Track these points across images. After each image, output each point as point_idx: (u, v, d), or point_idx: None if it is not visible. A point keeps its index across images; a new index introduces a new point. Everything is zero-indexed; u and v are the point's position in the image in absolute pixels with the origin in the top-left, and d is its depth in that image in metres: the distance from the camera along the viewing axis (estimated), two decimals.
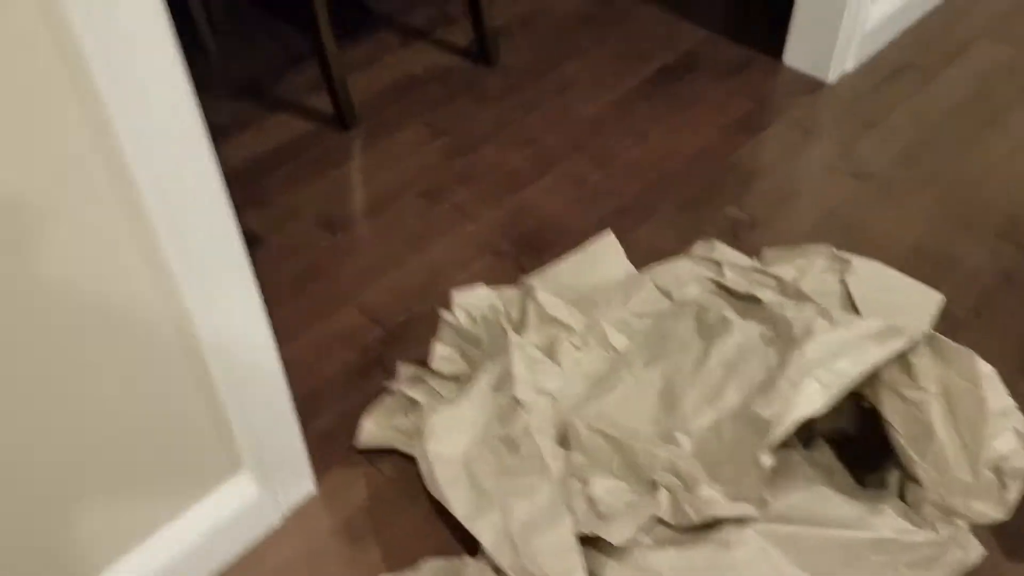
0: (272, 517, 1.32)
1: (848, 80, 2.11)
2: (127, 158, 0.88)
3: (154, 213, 0.93)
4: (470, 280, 1.64)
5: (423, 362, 1.48)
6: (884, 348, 1.03)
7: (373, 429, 1.39)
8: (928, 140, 1.94)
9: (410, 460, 1.39)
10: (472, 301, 1.40)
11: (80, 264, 0.91)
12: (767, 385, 1.08)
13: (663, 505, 1.08)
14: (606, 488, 1.13)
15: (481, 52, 2.16)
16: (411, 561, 1.27)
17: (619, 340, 1.33)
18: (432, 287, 1.67)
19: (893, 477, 1.20)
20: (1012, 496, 1.04)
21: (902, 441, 1.08)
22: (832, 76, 2.08)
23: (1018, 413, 1.05)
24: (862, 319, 1.12)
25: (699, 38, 2.26)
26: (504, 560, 1.10)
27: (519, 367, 1.24)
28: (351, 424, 1.42)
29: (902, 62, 2.15)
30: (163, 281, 0.98)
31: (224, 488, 1.25)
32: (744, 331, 1.19)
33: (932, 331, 1.09)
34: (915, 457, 1.08)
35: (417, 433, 1.29)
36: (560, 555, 1.06)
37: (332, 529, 1.33)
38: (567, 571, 1.05)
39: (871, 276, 1.35)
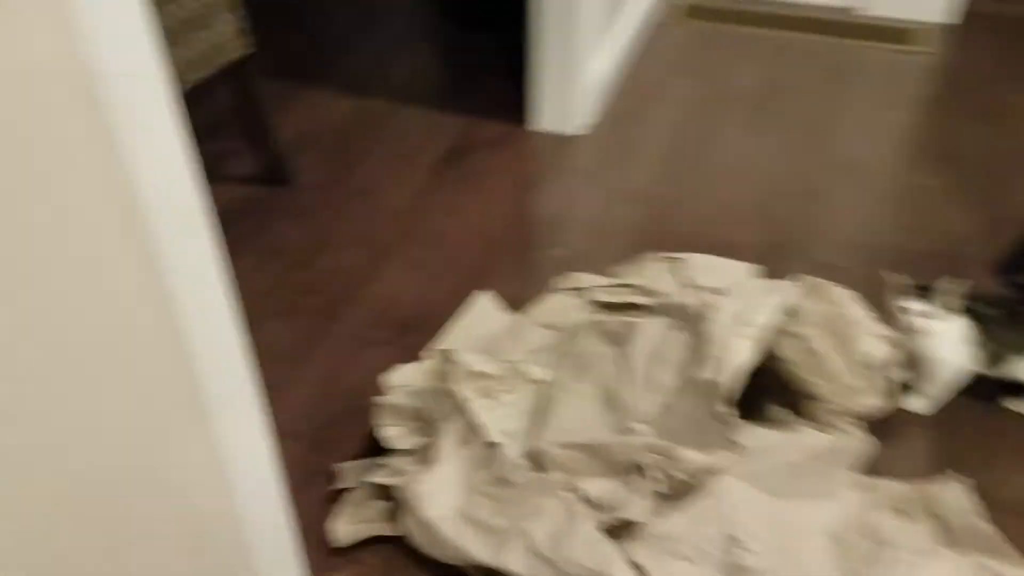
0: None
1: (589, 130, 2.50)
2: None
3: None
4: (369, 374, 1.73)
5: (357, 456, 1.55)
6: (778, 297, 1.33)
7: (347, 528, 1.43)
8: (667, 159, 2.37)
9: (387, 542, 1.45)
10: (406, 379, 1.51)
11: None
12: (696, 357, 1.33)
13: (656, 478, 1.27)
14: (599, 488, 1.29)
15: (275, 174, 2.26)
16: None
17: (539, 373, 1.51)
18: (333, 392, 1.73)
19: (776, 412, 1.50)
20: (883, 384, 1.37)
21: (798, 369, 1.38)
22: (576, 130, 2.47)
23: (870, 320, 1.39)
24: (746, 282, 1.41)
25: (461, 125, 2.54)
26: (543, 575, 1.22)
27: (481, 416, 1.38)
28: (316, 533, 1.45)
29: (624, 106, 2.60)
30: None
31: None
32: (650, 326, 1.44)
33: (800, 275, 1.40)
34: (811, 378, 1.38)
35: (401, 511, 1.36)
36: (593, 550, 1.21)
37: None
38: (605, 561, 1.19)
39: (703, 264, 1.67)
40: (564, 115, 2.44)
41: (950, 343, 1.50)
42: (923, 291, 1.48)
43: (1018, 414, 1.61)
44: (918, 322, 1.45)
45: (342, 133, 2.52)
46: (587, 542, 1.22)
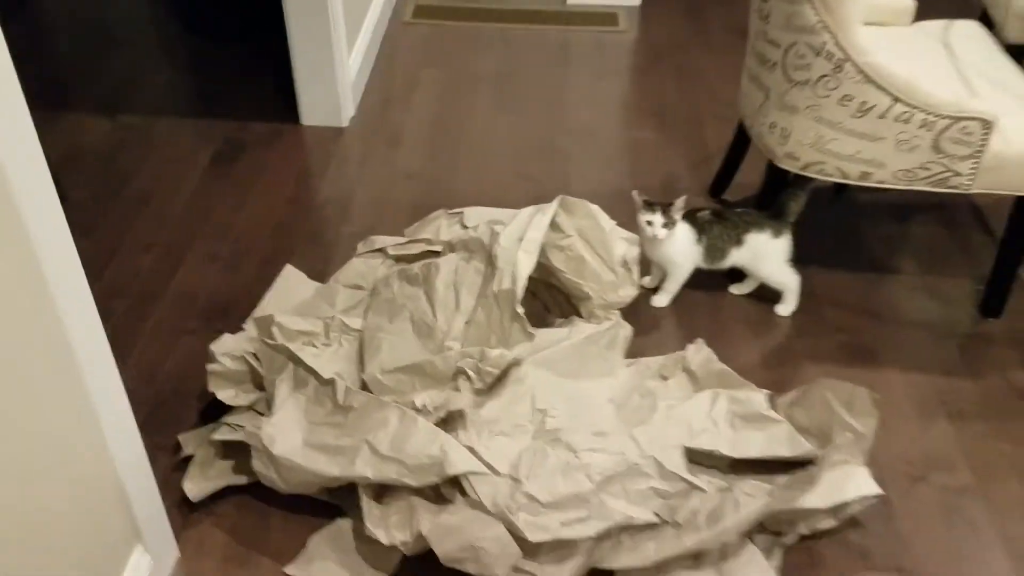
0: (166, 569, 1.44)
1: (356, 120, 2.71)
2: None
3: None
4: (186, 360, 1.83)
5: (194, 427, 1.66)
6: (546, 216, 1.62)
7: (198, 484, 1.54)
8: (430, 138, 2.63)
9: (239, 493, 1.58)
10: (229, 347, 1.64)
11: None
12: (488, 277, 1.59)
13: (472, 377, 1.51)
14: (425, 397, 1.51)
15: None
16: (295, 552, 1.49)
17: (356, 322, 1.70)
18: (156, 380, 1.81)
19: (558, 321, 1.80)
20: (635, 276, 1.71)
21: (569, 276, 1.68)
22: (343, 121, 2.67)
23: (616, 227, 1.72)
24: (516, 212, 1.68)
25: (231, 128, 2.65)
26: (392, 474, 1.41)
27: (311, 361, 1.54)
28: (170, 499, 1.55)
29: (382, 97, 2.83)
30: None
31: (128, 566, 1.33)
32: (446, 262, 1.67)
33: (561, 198, 1.70)
34: (580, 281, 1.69)
35: (253, 456, 1.50)
36: (431, 441, 1.42)
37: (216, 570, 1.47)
38: (442, 448, 1.41)
39: (480, 214, 1.93)
40: (330, 109, 2.63)
41: (680, 247, 1.88)
42: (658, 208, 1.84)
43: (737, 296, 2.04)
44: (658, 232, 1.81)
45: (106, 150, 2.54)
46: (424, 436, 1.43)
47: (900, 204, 2.37)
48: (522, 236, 1.60)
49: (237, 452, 1.60)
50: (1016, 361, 1.92)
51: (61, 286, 1.11)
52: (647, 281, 2.01)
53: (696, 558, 1.44)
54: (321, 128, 2.67)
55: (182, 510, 1.56)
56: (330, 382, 1.53)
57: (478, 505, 1.36)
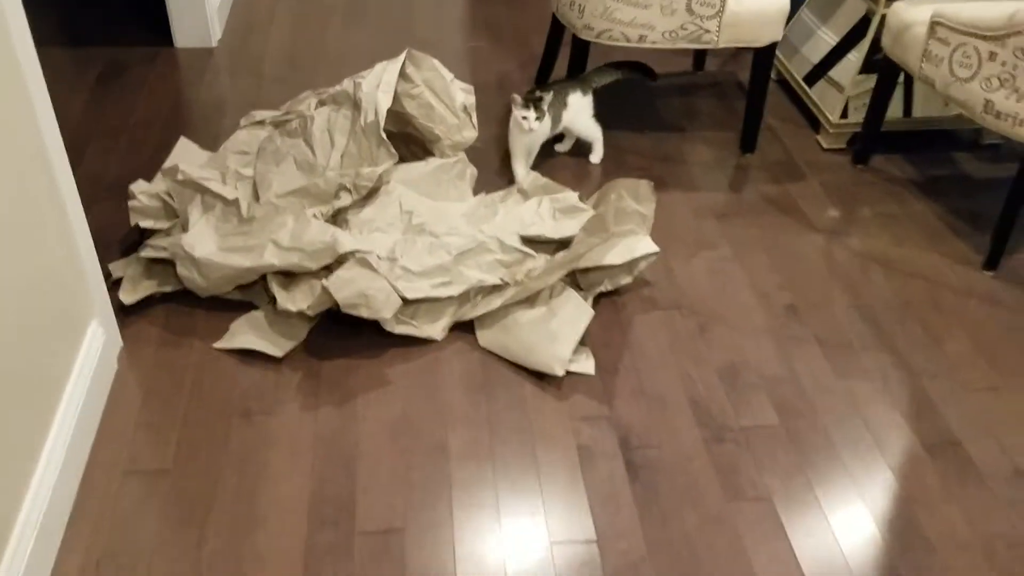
0: (113, 355, 1.81)
1: (223, 41, 3.06)
2: None
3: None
4: (101, 221, 2.15)
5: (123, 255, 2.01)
6: (396, 64, 2.05)
7: (130, 294, 1.90)
8: (293, 53, 3.01)
9: (165, 300, 1.96)
10: (145, 188, 1.99)
11: None
12: (355, 119, 2.01)
13: (351, 189, 1.93)
14: (313, 211, 1.91)
15: None
16: (220, 336, 1.86)
17: (248, 171, 2.07)
18: None
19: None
20: (474, 119, 2.18)
21: (421, 121, 2.13)
22: (213, 43, 3.02)
23: (456, 80, 2.18)
24: (379, 65, 2.10)
25: (109, 53, 2.95)
26: (294, 259, 1.81)
27: (217, 188, 1.92)
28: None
29: (247, 21, 3.19)
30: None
31: (87, 337, 1.69)
32: (320, 115, 2.08)
33: (408, 50, 2.13)
34: (431, 125, 2.13)
35: (177, 262, 1.87)
36: (324, 232, 1.84)
37: (157, 356, 1.85)
38: (333, 235, 1.83)
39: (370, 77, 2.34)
40: (200, 33, 2.99)
41: (541, 127, 2.34)
42: (530, 104, 2.24)
43: (561, 152, 2.55)
44: (532, 125, 2.24)
45: None
46: (317, 229, 1.85)
47: (687, 85, 2.96)
48: (379, 83, 2.03)
49: (161, 269, 1.96)
50: (765, 179, 2.53)
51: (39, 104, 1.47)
52: (520, 175, 2.37)
53: (530, 301, 1.92)
54: (193, 49, 3.01)
55: (119, 317, 1.90)
56: (234, 201, 1.92)
57: (367, 264, 1.79)
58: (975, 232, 2.35)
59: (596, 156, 2.53)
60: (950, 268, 2.24)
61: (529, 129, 2.28)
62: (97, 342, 1.72)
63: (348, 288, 1.77)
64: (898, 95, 2.56)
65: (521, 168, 2.39)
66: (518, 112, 2.28)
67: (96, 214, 2.16)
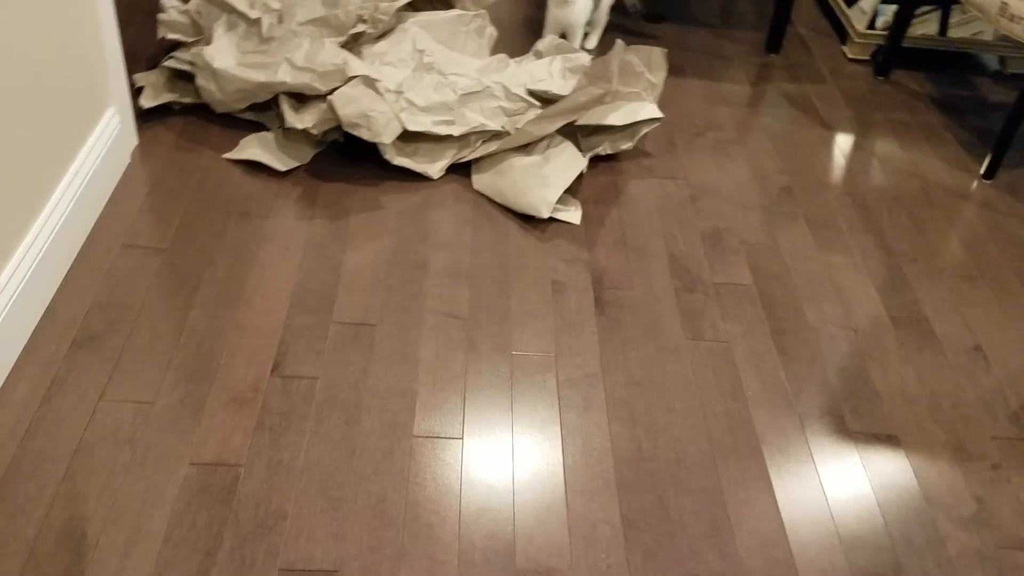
0: (127, 150, 1.90)
1: None
2: None
3: None
4: (134, 41, 2.24)
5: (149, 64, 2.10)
6: None
7: (150, 99, 2.00)
8: None
9: (183, 112, 2.05)
10: (176, 4, 2.08)
11: None
12: None
13: (368, 20, 2.00)
14: (331, 40, 1.99)
15: None
16: (231, 148, 1.96)
17: (275, 3, 2.15)
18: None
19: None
20: None
21: None
22: None
23: None
24: None
25: None
26: (305, 79, 1.89)
27: (243, 8, 1.99)
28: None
29: None
30: None
31: (103, 120, 1.78)
32: None
33: None
34: None
35: (196, 73, 1.96)
36: (336, 55, 1.91)
37: (169, 156, 1.95)
38: (345, 60, 1.90)
39: None
40: None
41: (582, 4, 2.34)
42: None
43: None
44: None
45: None
46: (331, 51, 1.92)
47: None
48: None
49: (182, 84, 2.05)
50: (784, 78, 2.54)
51: None
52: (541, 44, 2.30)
53: (527, 148, 1.98)
54: None
55: (138, 121, 2.01)
56: (257, 21, 2.00)
57: (372, 85, 1.86)
58: (982, 146, 2.36)
59: (592, 42, 2.56)
60: (949, 172, 2.25)
61: (569, 20, 2.28)
62: (112, 128, 1.82)
63: (352, 105, 1.85)
64: (937, 14, 2.57)
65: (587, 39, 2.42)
66: None
67: (129, 35, 2.28)
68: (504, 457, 1.45)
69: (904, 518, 1.44)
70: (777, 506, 1.42)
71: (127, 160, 1.92)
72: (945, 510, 1.45)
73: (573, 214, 1.95)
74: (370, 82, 1.86)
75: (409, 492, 1.37)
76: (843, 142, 2.32)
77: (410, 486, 1.38)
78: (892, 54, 2.56)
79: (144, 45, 2.22)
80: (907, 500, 1.46)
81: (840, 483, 1.47)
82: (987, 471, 1.52)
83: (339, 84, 1.91)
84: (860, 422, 1.58)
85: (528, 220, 1.93)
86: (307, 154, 1.98)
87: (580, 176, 2.02)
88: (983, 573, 1.36)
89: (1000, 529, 1.43)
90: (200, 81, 1.98)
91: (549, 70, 2.13)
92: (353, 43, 2.05)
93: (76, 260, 1.69)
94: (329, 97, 1.84)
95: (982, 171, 2.23)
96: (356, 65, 1.91)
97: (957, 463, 1.53)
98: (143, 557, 1.23)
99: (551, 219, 1.93)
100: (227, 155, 1.97)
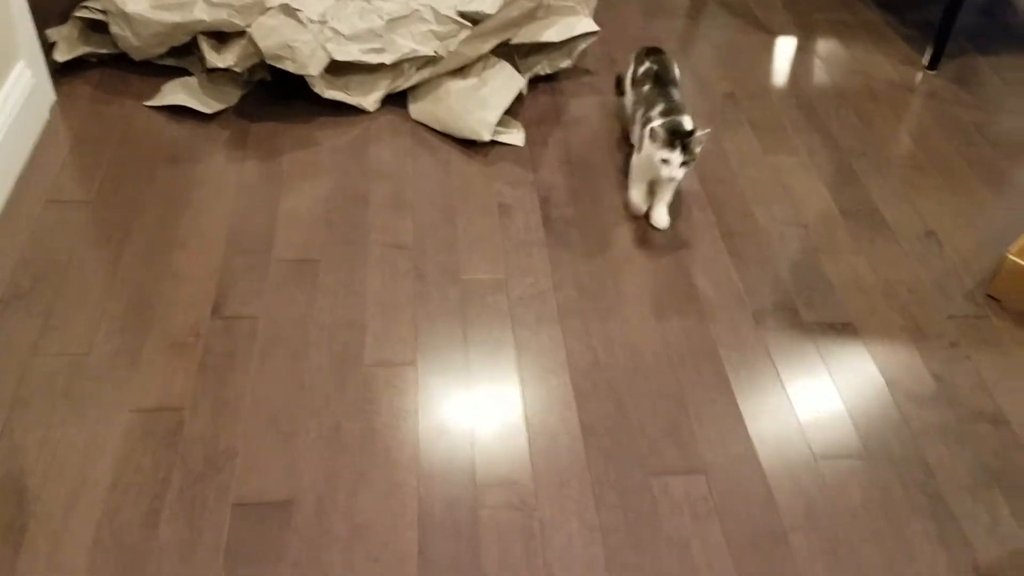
0: (44, 105, 1.82)
1: None
2: None
3: None
4: None
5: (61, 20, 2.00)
6: None
7: (64, 52, 1.91)
8: None
9: (100, 65, 1.96)
10: None
11: None
12: None
13: None
14: None
15: None
16: (153, 94, 1.88)
17: None
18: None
19: None
20: None
21: None
22: None
23: None
24: None
25: None
26: (223, 15, 1.81)
27: None
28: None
29: None
30: None
31: (12, 75, 1.69)
32: None
33: None
34: None
35: (110, 21, 1.87)
36: None
37: (89, 109, 1.86)
38: None
39: None
40: None
41: (679, 171, 1.64)
42: (677, 143, 1.60)
43: None
44: (675, 172, 1.62)
45: None
46: None
47: None
48: None
49: (97, 37, 1.96)
50: None
51: None
52: (636, 202, 1.73)
53: (463, 72, 1.93)
54: None
55: (54, 76, 1.91)
56: None
57: (291, 14, 1.79)
58: (923, 39, 2.33)
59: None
60: (893, 67, 2.22)
61: (670, 177, 1.64)
62: (24, 83, 1.73)
63: (272, 37, 1.77)
64: None
65: (638, 194, 1.73)
66: (658, 152, 1.62)
67: None
68: (459, 379, 1.41)
69: (865, 402, 1.43)
70: (736, 402, 1.41)
71: (45, 116, 1.83)
72: (904, 390, 1.45)
73: (516, 136, 1.90)
74: (290, 11, 1.78)
75: (364, 420, 1.34)
76: (785, 45, 2.29)
77: (365, 415, 1.35)
78: None
79: (53, 3, 2.12)
80: (866, 384, 1.46)
81: (798, 374, 1.46)
82: (945, 350, 1.52)
83: (259, 16, 1.83)
84: (815, 313, 1.57)
85: (471, 146, 1.88)
86: (234, 95, 1.91)
87: (520, 97, 1.96)
88: (946, 447, 1.36)
89: (961, 404, 1.43)
90: (114, 28, 1.89)
91: None
92: None
93: None
94: (248, 30, 1.76)
95: (925, 62, 2.20)
96: None
97: (915, 344, 1.53)
98: (89, 506, 1.19)
99: (494, 143, 1.88)
100: (149, 102, 1.89)
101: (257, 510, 1.21)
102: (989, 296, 1.61)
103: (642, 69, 1.85)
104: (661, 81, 1.80)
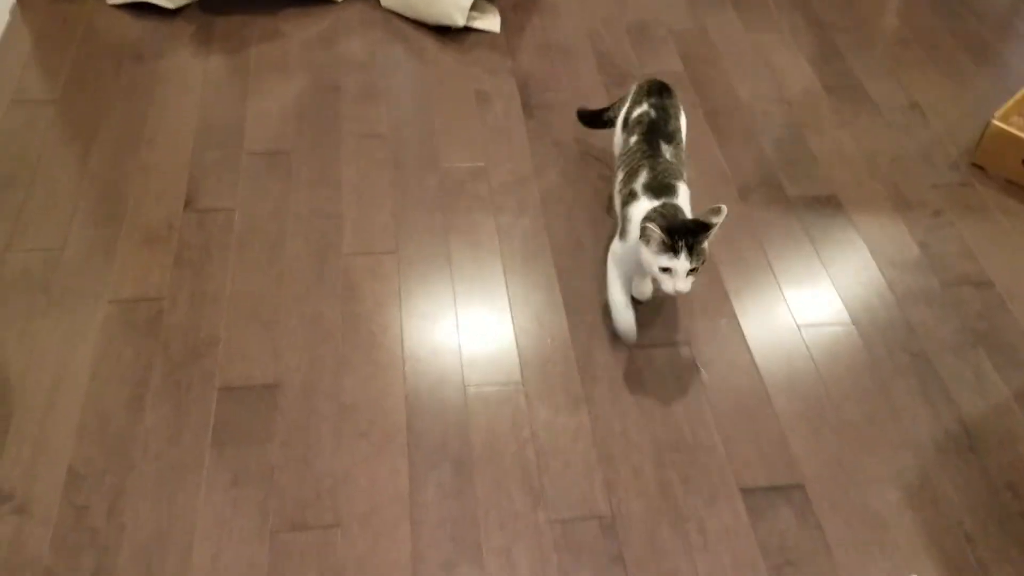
0: (4, 6, 1.75)
1: None
2: None
3: None
4: None
5: None
6: None
7: None
8: None
9: None
10: None
11: None
12: None
13: None
14: None
15: None
16: None
17: None
18: None
19: None
20: None
21: None
22: None
23: None
24: None
25: None
26: None
27: None
28: None
29: None
30: None
31: None
32: None
33: None
34: None
35: None
36: None
37: (50, 9, 1.79)
38: None
39: None
40: None
41: (685, 284, 1.18)
42: (682, 246, 1.13)
43: None
44: (680, 285, 1.15)
45: None
46: None
47: None
48: None
49: None
50: None
51: None
52: (624, 321, 1.29)
53: None
54: None
55: None
56: None
57: None
58: None
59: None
60: None
61: (674, 292, 1.19)
62: None
63: None
64: None
65: (623, 299, 1.28)
66: (656, 258, 1.19)
67: None
68: (442, 265, 1.40)
69: (849, 270, 1.42)
70: (720, 278, 1.40)
71: (6, 18, 1.76)
72: (889, 258, 1.44)
73: (491, 21, 1.84)
74: None
75: (345, 306, 1.32)
76: None
77: (346, 302, 1.33)
78: None
79: None
80: (851, 254, 1.45)
81: (782, 245, 1.45)
82: (929, 218, 1.51)
83: None
84: (799, 187, 1.55)
85: (445, 34, 1.82)
86: None
87: None
88: (930, 311, 1.37)
89: (945, 269, 1.43)
90: None
91: None
92: None
93: None
94: None
95: None
96: None
97: (898, 213, 1.51)
98: (71, 394, 1.18)
99: (469, 30, 1.82)
100: (111, 0, 1.82)
101: (242, 393, 1.20)
102: (974, 164, 1.59)
103: (637, 112, 1.37)
104: (654, 134, 1.32)
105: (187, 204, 1.44)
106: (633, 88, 1.43)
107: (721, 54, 1.81)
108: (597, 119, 1.53)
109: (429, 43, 1.80)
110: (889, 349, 1.31)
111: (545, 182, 1.53)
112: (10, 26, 1.76)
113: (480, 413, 1.20)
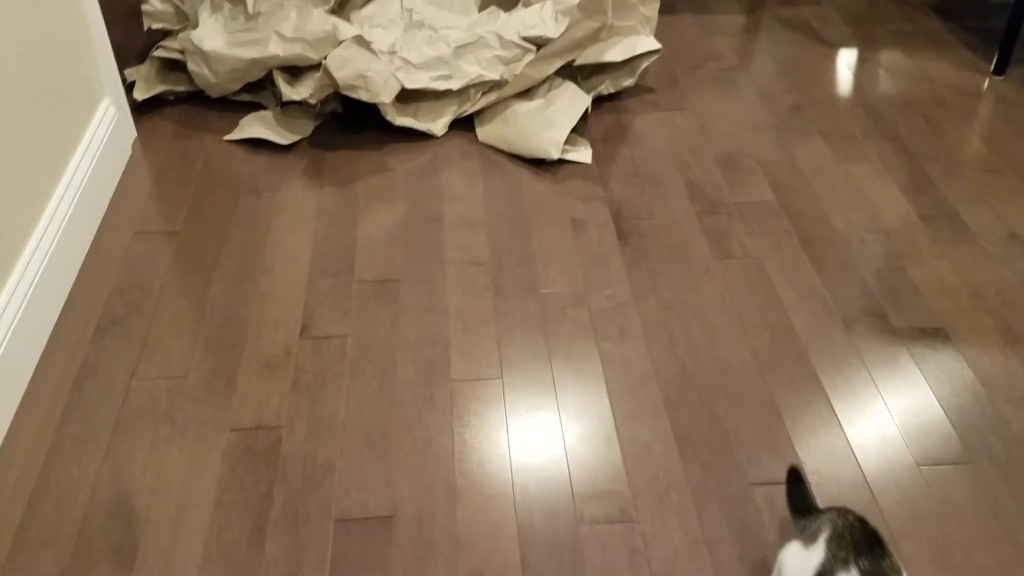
0: (127, 141, 1.88)
1: None
2: None
3: None
4: (122, 36, 2.20)
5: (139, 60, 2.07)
6: None
7: (144, 91, 1.97)
8: None
9: (178, 102, 2.03)
10: None
11: None
12: None
13: None
14: (322, 10, 1.96)
15: None
16: (230, 129, 1.93)
17: None
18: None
19: None
20: None
21: None
22: None
23: None
24: None
25: None
26: (297, 49, 1.86)
27: None
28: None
29: None
30: None
31: (99, 111, 1.76)
32: None
33: None
34: None
35: (187, 58, 1.93)
36: (325, 21, 1.88)
37: (170, 145, 1.92)
38: (333, 24, 1.87)
39: None
40: None
41: None
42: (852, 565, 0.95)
43: None
44: None
45: None
46: (319, 19, 1.89)
47: None
48: None
49: (174, 75, 2.02)
50: (777, 2, 2.50)
51: None
52: None
53: (529, 94, 1.95)
54: None
55: (135, 114, 1.98)
56: (239, 4, 1.96)
57: (364, 44, 1.83)
58: (987, 46, 2.31)
59: None
60: (958, 74, 2.21)
61: None
62: (108, 119, 1.79)
63: (347, 67, 1.81)
64: None
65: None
66: None
67: (115, 33, 2.23)
68: (547, 392, 1.42)
69: (963, 405, 1.40)
70: (832, 409, 1.39)
71: (128, 152, 1.89)
72: (1003, 392, 1.41)
73: (583, 153, 1.92)
74: (363, 42, 1.83)
75: (455, 434, 1.34)
76: (847, 57, 2.28)
77: (455, 428, 1.35)
78: None
79: (132, 41, 2.19)
80: (963, 388, 1.43)
81: (893, 379, 1.44)
82: None
83: (331, 49, 1.88)
84: (904, 318, 1.54)
85: (539, 165, 1.89)
86: (307, 127, 1.95)
87: (585, 117, 1.98)
88: None
89: None
90: (192, 66, 1.95)
91: (541, 15, 2.09)
92: (340, 9, 2.03)
93: (89, 251, 1.66)
94: (324, 61, 1.81)
95: (992, 68, 2.18)
96: (346, 28, 1.87)
97: (1008, 346, 1.49)
98: (196, 524, 1.21)
99: (562, 161, 1.90)
100: (228, 136, 1.94)
101: (359, 525, 1.21)
102: None
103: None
104: None
105: (303, 331, 1.50)
106: (827, 525, 1.04)
107: (812, 183, 1.85)
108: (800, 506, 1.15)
109: (524, 174, 1.87)
110: (1012, 491, 1.27)
111: (645, 308, 1.56)
112: (132, 159, 1.89)
113: (596, 552, 1.19)
